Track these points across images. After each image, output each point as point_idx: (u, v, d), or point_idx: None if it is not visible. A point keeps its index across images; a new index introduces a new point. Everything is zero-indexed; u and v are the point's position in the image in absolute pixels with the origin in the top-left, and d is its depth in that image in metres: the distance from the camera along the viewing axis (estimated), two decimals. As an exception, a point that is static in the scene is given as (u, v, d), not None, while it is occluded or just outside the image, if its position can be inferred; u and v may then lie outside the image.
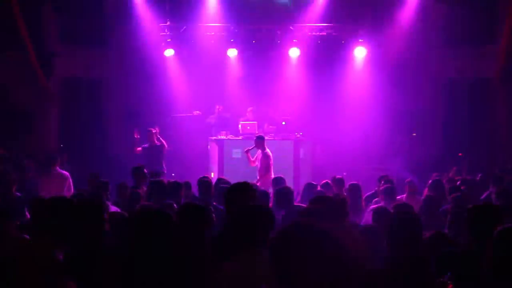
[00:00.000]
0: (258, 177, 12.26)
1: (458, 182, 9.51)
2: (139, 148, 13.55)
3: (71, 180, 10.38)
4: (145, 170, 9.67)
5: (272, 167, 12.38)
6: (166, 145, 13.50)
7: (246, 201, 4.66)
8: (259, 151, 12.62)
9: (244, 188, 4.97)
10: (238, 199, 4.74)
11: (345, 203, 5.61)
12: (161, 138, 13.49)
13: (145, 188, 8.96)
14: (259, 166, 12.51)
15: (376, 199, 8.64)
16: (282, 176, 9.44)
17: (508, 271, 3.27)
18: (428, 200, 7.50)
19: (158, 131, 13.56)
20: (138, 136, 13.68)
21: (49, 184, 9.95)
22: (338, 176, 9.82)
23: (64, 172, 10.55)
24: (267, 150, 12.56)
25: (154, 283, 3.61)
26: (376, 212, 6.43)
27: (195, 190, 9.00)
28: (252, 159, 12.81)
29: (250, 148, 12.79)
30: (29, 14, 14.81)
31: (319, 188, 8.86)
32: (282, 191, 7.59)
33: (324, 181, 9.50)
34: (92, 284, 4.10)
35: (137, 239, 3.83)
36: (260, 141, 12.58)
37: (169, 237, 3.87)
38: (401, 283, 3.74)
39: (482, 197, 9.14)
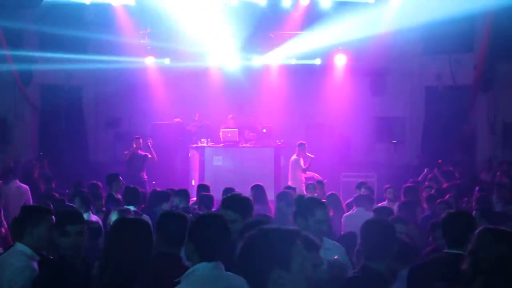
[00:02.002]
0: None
1: (433, 191, 9.59)
2: (126, 152, 13.55)
3: (29, 194, 10.22)
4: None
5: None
6: (154, 157, 13.61)
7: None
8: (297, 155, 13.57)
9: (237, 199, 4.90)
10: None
11: None
12: (152, 151, 13.59)
13: (120, 196, 8.94)
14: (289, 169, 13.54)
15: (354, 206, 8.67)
16: (261, 184, 9.44)
17: (486, 270, 3.37)
18: (403, 205, 7.58)
19: (151, 143, 13.68)
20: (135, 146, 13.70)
21: (8, 196, 9.86)
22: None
23: (24, 185, 10.43)
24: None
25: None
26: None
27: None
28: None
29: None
30: (8, 21, 14.72)
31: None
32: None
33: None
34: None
35: (115, 246, 3.84)
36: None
37: (147, 245, 3.87)
38: None
39: None
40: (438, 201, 8.18)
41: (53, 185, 11.73)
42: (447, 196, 8.97)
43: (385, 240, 3.87)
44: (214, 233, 3.53)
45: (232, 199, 4.76)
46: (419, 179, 11.33)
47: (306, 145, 13.78)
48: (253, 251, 2.54)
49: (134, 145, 13.51)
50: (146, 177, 13.37)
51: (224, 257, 3.50)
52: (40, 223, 4.35)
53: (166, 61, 16.97)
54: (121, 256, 3.73)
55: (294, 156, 13.65)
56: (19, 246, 4.34)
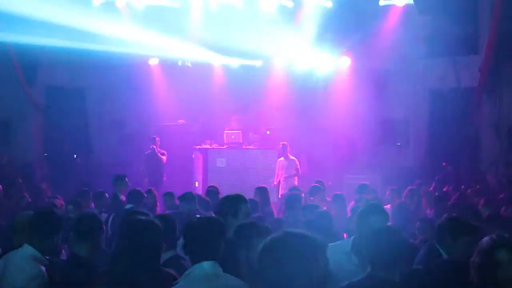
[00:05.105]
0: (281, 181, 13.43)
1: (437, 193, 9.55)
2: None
3: None
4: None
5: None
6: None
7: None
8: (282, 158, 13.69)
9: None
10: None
11: None
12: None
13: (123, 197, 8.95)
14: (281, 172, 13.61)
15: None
16: (265, 186, 9.42)
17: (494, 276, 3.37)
18: (398, 207, 7.62)
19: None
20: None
21: None
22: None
23: None
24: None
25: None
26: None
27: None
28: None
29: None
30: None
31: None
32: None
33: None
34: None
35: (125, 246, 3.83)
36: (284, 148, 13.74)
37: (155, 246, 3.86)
38: None
39: None
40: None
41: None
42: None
43: (396, 249, 3.65)
44: (205, 235, 3.59)
45: None
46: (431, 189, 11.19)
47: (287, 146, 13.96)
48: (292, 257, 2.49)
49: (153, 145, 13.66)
50: (165, 177, 13.59)
51: (218, 258, 3.56)
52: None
53: (172, 62, 16.96)
54: (130, 258, 3.72)
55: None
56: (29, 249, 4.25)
